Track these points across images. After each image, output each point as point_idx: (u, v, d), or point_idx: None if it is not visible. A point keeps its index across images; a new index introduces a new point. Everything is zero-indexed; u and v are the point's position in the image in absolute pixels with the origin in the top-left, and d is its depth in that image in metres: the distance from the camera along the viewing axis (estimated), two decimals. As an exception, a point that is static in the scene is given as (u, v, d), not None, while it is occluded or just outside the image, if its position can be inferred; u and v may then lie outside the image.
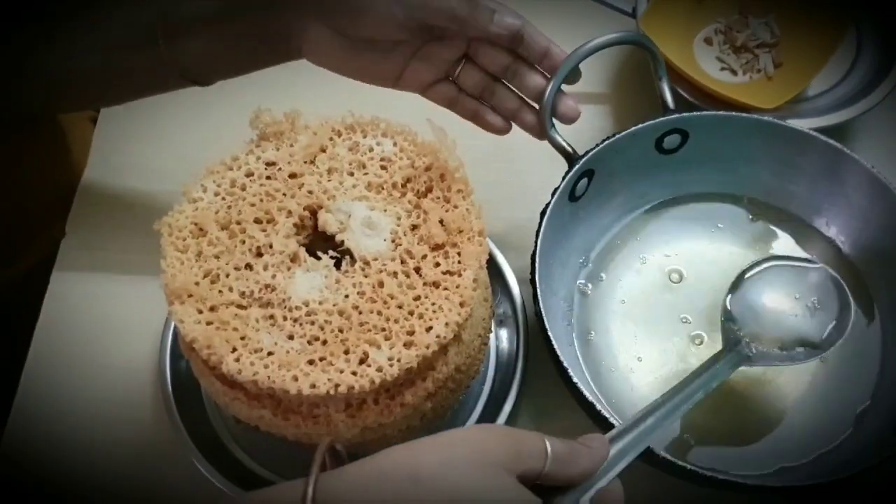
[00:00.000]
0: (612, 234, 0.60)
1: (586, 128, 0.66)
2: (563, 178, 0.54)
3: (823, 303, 0.52)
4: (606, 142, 0.55)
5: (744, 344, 0.50)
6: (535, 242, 0.51)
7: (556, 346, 0.48)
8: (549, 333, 0.49)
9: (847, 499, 0.49)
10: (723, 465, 0.50)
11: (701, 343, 0.55)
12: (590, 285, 0.58)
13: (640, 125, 0.56)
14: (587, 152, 0.55)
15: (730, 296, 0.53)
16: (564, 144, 0.55)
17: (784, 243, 0.60)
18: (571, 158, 0.55)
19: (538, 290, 0.50)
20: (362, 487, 0.34)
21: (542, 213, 0.52)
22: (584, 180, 0.56)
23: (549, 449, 0.36)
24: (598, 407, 0.47)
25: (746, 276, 0.53)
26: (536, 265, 0.51)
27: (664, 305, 0.57)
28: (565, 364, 0.48)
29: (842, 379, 0.54)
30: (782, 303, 0.52)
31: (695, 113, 0.57)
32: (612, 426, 0.46)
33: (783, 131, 0.57)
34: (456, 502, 0.34)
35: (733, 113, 0.58)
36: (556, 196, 0.53)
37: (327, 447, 0.37)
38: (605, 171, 0.56)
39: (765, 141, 0.58)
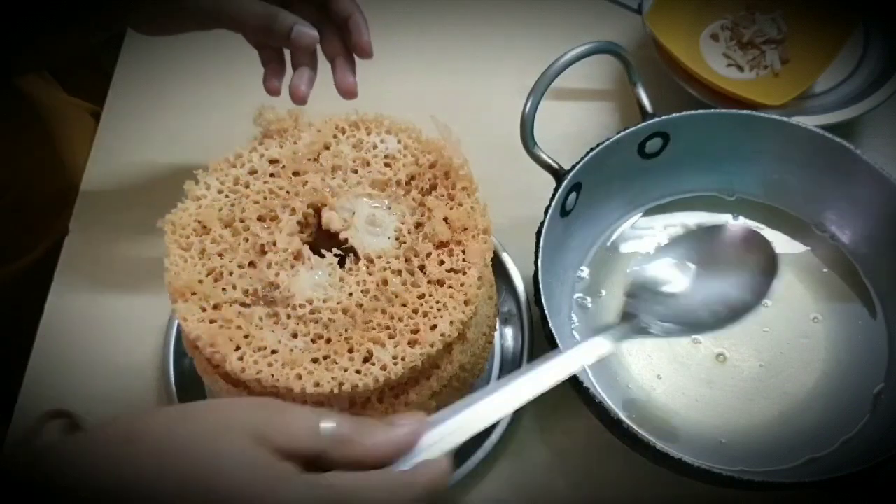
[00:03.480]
0: (603, 244, 0.60)
1: (573, 134, 0.66)
2: (553, 195, 0.54)
3: (741, 272, 0.49)
4: (591, 153, 0.55)
5: (639, 318, 0.46)
6: (536, 264, 0.51)
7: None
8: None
9: (875, 482, 0.49)
10: (752, 462, 0.50)
11: (725, 360, 0.55)
12: (588, 299, 0.57)
13: (622, 132, 0.56)
14: (573, 166, 0.54)
15: (634, 269, 0.50)
16: (549, 161, 0.55)
17: (778, 242, 0.59)
18: (558, 174, 0.55)
19: (546, 312, 0.49)
20: (77, 453, 0.31)
21: (538, 233, 0.52)
22: (573, 194, 0.55)
23: (322, 427, 0.32)
24: (619, 417, 0.47)
25: (660, 250, 0.51)
26: (540, 286, 0.50)
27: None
28: (585, 384, 0.48)
29: (854, 364, 0.54)
30: (690, 277, 0.49)
31: (673, 115, 0.57)
32: (626, 430, 0.46)
33: (774, 127, 0.57)
34: (177, 459, 0.30)
35: (712, 111, 0.58)
36: (548, 214, 0.53)
37: (51, 413, 0.34)
38: (593, 183, 0.56)
39: (753, 137, 0.58)
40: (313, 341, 0.42)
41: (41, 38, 0.56)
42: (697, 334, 0.49)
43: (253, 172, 0.47)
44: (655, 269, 0.50)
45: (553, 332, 0.49)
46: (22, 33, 0.54)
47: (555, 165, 0.55)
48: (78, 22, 0.54)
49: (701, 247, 0.50)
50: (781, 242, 0.59)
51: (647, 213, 0.61)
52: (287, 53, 0.56)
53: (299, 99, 0.54)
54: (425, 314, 0.42)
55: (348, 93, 0.54)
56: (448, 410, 0.36)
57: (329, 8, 0.53)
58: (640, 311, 0.47)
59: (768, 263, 0.48)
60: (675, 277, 0.49)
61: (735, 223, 0.50)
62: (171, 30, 0.54)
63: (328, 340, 0.41)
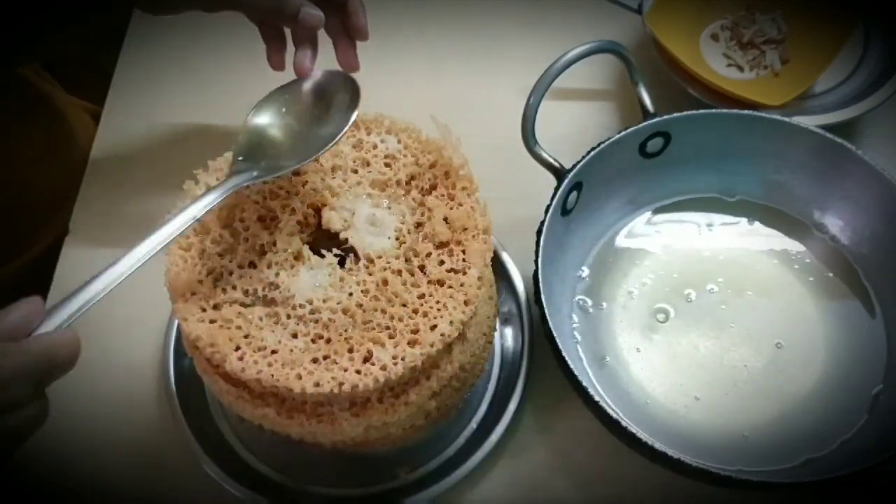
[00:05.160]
0: (603, 244, 0.60)
1: (574, 133, 0.66)
2: (554, 194, 0.54)
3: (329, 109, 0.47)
4: (592, 152, 0.55)
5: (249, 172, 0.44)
6: (536, 262, 0.51)
7: (571, 366, 0.48)
8: (564, 354, 0.48)
9: (874, 483, 0.49)
10: (750, 462, 0.50)
11: (724, 361, 0.54)
12: (589, 301, 0.57)
13: (623, 132, 0.56)
14: (574, 165, 0.55)
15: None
16: (550, 160, 0.55)
17: (779, 242, 0.59)
18: (559, 173, 0.55)
19: (546, 311, 0.49)
20: None
21: (539, 232, 0.52)
22: (574, 193, 0.56)
23: None
24: (618, 417, 0.47)
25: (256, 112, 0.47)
26: (540, 285, 0.50)
27: (679, 342, 0.56)
28: (585, 384, 0.48)
29: (853, 365, 0.54)
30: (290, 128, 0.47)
31: (675, 114, 0.57)
32: (625, 430, 0.46)
33: (774, 128, 0.57)
34: None
35: (713, 111, 0.58)
36: (549, 213, 0.53)
37: None
38: (594, 182, 0.56)
39: (754, 137, 0.58)
40: (313, 341, 0.42)
41: (42, 36, 0.56)
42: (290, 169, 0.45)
43: (253, 172, 0.47)
44: (260, 124, 0.47)
45: (553, 331, 0.49)
46: (22, 33, 0.54)
47: (556, 164, 0.55)
48: (78, 21, 0.55)
49: (296, 97, 0.49)
50: (782, 243, 0.59)
51: (648, 213, 0.61)
52: (288, 31, 0.56)
53: (303, 74, 0.54)
54: (425, 314, 0.42)
55: (350, 68, 0.56)
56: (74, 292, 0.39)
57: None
58: (248, 168, 0.44)
59: (352, 96, 0.47)
60: (277, 129, 0.47)
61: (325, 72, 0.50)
62: (178, 9, 0.55)
63: (328, 340, 0.41)
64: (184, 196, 0.45)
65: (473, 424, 0.55)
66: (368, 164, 0.47)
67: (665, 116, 0.57)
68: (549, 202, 0.53)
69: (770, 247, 0.59)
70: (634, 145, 0.57)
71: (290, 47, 0.56)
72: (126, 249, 0.41)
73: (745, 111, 0.58)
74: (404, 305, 0.42)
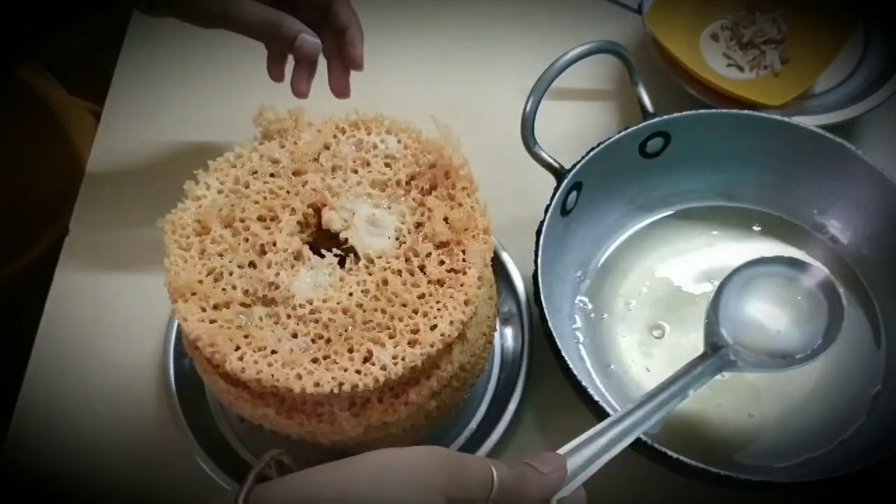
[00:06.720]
0: (603, 244, 0.60)
1: (573, 133, 0.66)
2: (553, 194, 0.54)
3: (814, 311, 0.50)
4: (591, 153, 0.55)
5: (727, 349, 0.48)
6: (536, 262, 0.51)
7: (570, 366, 0.48)
8: (563, 354, 0.48)
9: (873, 483, 0.49)
10: (750, 461, 0.51)
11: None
12: (589, 301, 0.57)
13: (622, 132, 0.56)
14: (574, 165, 0.55)
15: (716, 298, 0.50)
16: (550, 160, 0.55)
17: (778, 243, 0.59)
18: (559, 173, 0.55)
19: (545, 311, 0.49)
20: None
21: (539, 232, 0.52)
22: (574, 193, 0.56)
23: (495, 478, 0.35)
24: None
25: (734, 277, 0.51)
26: (540, 285, 0.50)
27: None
28: (585, 384, 0.47)
29: (852, 365, 0.54)
30: (770, 311, 0.50)
31: (675, 114, 0.57)
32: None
33: (774, 128, 0.57)
34: None
35: (713, 111, 0.58)
36: (549, 213, 0.53)
37: (272, 458, 0.36)
38: (593, 182, 0.56)
39: (754, 137, 0.58)
40: (313, 341, 0.42)
41: (42, 36, 0.56)
42: (789, 367, 0.48)
43: (253, 172, 0.47)
44: (737, 300, 0.50)
45: (552, 331, 0.49)
46: (22, 33, 0.54)
47: (555, 165, 0.55)
48: (78, 21, 0.55)
49: (773, 281, 0.51)
50: (781, 244, 0.59)
51: (648, 212, 0.61)
52: None
53: (301, 94, 0.56)
54: (425, 314, 0.42)
55: (341, 93, 0.56)
56: (576, 442, 0.41)
57: (329, 16, 0.55)
58: (727, 343, 0.49)
59: (836, 308, 0.50)
60: (757, 309, 0.50)
61: (803, 265, 0.52)
62: (176, 17, 0.55)
63: (328, 340, 0.41)
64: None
65: (473, 424, 0.55)
66: (368, 164, 0.47)
67: (665, 116, 0.57)
68: (548, 202, 0.53)
69: (769, 247, 0.59)
70: (634, 145, 0.57)
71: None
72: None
73: (745, 111, 0.58)
74: (404, 305, 0.42)
